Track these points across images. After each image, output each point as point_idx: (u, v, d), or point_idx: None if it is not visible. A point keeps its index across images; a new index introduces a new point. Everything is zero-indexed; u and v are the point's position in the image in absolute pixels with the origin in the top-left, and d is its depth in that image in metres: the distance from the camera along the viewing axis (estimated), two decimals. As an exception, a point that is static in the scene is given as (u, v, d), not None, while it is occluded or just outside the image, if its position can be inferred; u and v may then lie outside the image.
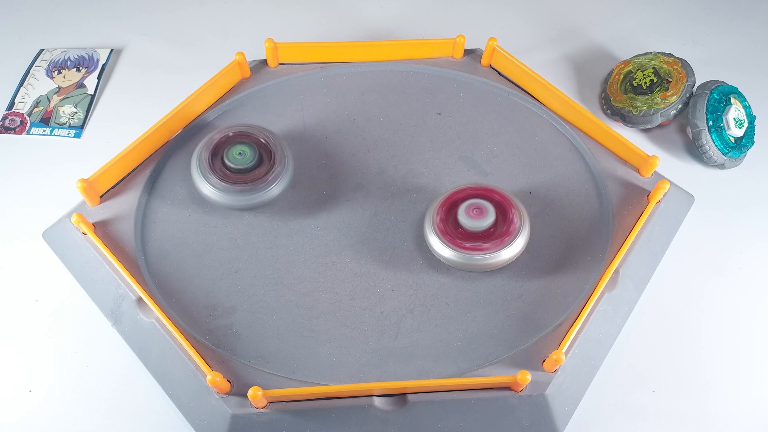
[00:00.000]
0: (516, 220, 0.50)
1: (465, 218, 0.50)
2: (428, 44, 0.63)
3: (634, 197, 0.55)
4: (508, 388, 0.45)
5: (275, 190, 0.53)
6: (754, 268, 0.55)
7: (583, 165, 0.58)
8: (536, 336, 0.48)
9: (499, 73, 0.63)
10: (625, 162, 0.57)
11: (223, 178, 0.52)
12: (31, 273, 0.54)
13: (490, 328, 0.48)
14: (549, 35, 0.72)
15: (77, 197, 0.54)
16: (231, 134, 0.54)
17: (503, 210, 0.51)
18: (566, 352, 0.46)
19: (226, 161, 0.53)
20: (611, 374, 0.49)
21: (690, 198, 0.57)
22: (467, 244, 0.49)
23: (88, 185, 0.52)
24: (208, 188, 0.52)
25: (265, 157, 0.54)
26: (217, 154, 0.54)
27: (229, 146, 0.53)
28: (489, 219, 0.50)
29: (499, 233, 0.50)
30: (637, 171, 0.57)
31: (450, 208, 0.51)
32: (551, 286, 0.50)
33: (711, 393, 0.49)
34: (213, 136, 0.54)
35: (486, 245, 0.49)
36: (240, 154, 0.53)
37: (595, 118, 0.58)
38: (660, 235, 0.54)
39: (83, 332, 0.50)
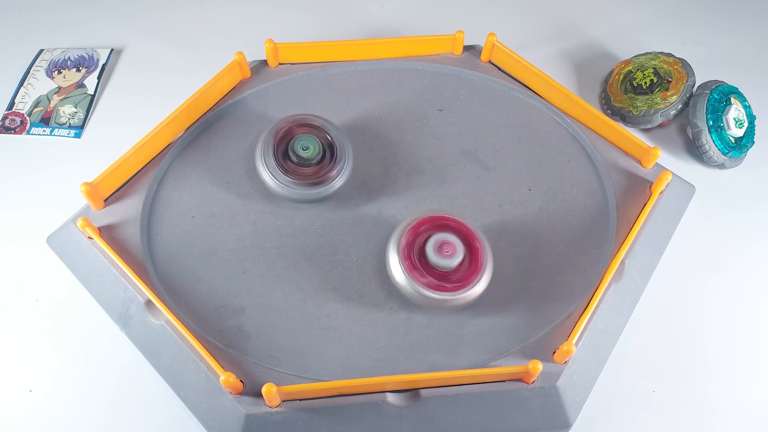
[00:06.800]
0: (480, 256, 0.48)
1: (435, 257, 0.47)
2: (428, 41, 0.63)
3: (637, 188, 0.56)
4: (520, 380, 0.46)
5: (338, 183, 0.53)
6: (755, 268, 0.55)
7: (585, 157, 0.58)
8: (545, 328, 0.48)
9: (498, 68, 0.64)
10: (626, 154, 0.58)
11: (286, 171, 0.53)
12: (32, 273, 0.53)
13: (498, 322, 0.49)
14: (549, 35, 0.73)
15: (78, 197, 0.53)
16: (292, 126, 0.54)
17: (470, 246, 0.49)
18: (576, 343, 0.46)
19: (292, 154, 0.53)
20: (613, 373, 0.49)
21: (691, 188, 0.58)
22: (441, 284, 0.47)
23: (92, 189, 0.51)
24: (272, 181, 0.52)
25: (328, 152, 0.54)
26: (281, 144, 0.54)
27: (294, 138, 0.53)
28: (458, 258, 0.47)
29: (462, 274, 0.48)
30: (639, 163, 0.57)
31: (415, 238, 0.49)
32: (558, 279, 0.51)
33: (711, 393, 0.49)
34: (280, 126, 0.54)
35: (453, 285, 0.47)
36: (305, 148, 0.53)
37: (595, 111, 0.58)
38: (663, 226, 0.55)
39: (84, 332, 0.50)
